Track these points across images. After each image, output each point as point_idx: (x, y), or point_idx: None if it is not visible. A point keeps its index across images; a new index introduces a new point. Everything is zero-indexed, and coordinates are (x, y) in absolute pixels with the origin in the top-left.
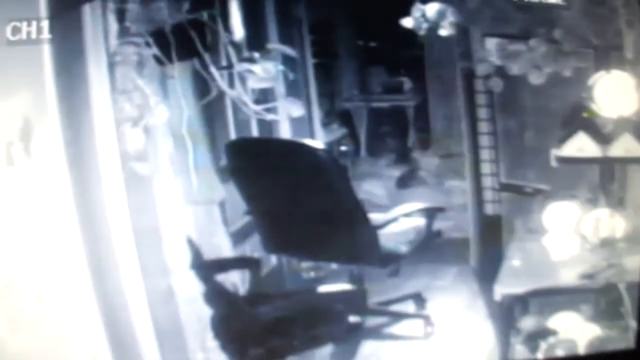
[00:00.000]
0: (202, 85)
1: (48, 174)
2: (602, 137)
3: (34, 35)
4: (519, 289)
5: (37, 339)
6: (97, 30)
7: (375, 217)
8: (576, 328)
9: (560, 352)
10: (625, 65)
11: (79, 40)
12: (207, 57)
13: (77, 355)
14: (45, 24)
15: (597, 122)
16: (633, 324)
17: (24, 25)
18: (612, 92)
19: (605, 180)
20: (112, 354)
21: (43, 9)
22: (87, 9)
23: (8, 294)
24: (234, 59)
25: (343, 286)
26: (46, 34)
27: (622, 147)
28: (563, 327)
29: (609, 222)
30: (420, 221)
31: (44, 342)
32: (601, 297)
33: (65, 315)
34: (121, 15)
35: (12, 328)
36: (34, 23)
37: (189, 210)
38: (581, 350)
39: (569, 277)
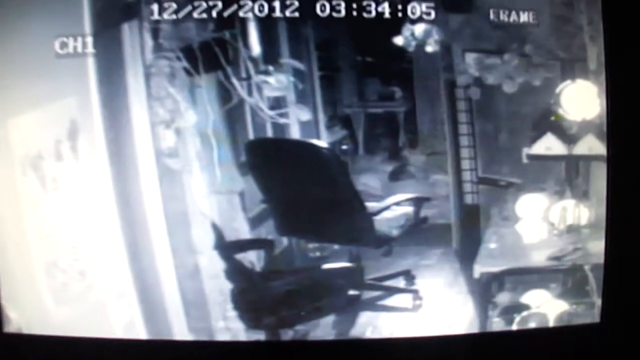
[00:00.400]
0: (225, 94)
1: (92, 168)
2: (568, 137)
3: (79, 50)
4: (495, 268)
5: (79, 310)
6: (135, 46)
7: (371, 205)
8: (546, 304)
9: (532, 325)
10: (588, 75)
11: (119, 54)
12: (229, 69)
13: (114, 323)
14: (89, 39)
15: (563, 124)
16: (597, 300)
17: (70, 41)
18: (577, 99)
19: (570, 174)
20: (145, 322)
21: (87, 26)
22: (126, 27)
23: (54, 271)
24: (252, 71)
25: (343, 264)
26: (90, 49)
27: (586, 146)
28: (535, 302)
29: (574, 211)
30: (409, 209)
31: (85, 313)
32: (568, 276)
33: (105, 289)
34: (155, 34)
35: (57, 301)
36: (80, 39)
37: (213, 199)
38: (551, 323)
39: (539, 258)
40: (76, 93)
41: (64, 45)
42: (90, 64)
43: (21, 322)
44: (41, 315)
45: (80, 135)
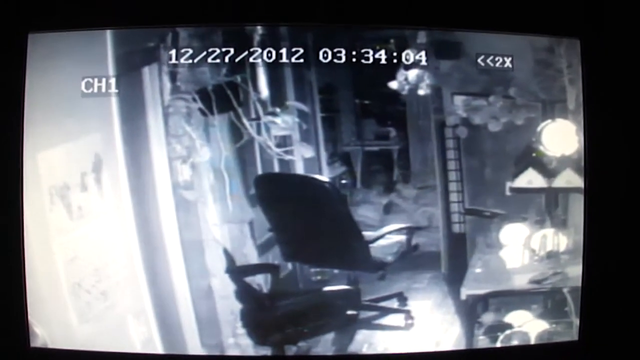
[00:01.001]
0: (236, 132)
1: (114, 198)
2: (548, 171)
3: (103, 90)
4: (480, 291)
5: (101, 327)
6: (155, 87)
7: (367, 234)
8: (528, 323)
9: (515, 342)
10: (567, 115)
11: (140, 94)
12: (240, 110)
13: (133, 339)
14: (112, 80)
15: (544, 160)
16: (575, 320)
17: (95, 81)
18: (557, 136)
19: (550, 205)
20: (161, 338)
21: (111, 69)
22: (146, 70)
23: (79, 291)
24: (260, 112)
25: (342, 287)
26: (114, 89)
27: (564, 179)
28: (517, 322)
29: (553, 239)
30: (402, 237)
31: (107, 329)
32: (548, 298)
33: (125, 308)
34: (173, 77)
35: (81, 319)
36: (104, 80)
37: (225, 228)
38: (532, 341)
39: (521, 282)
40: (100, 129)
41: (89, 85)
42: (114, 103)
43: (47, 337)
44: (66, 331)
45: (104, 168)
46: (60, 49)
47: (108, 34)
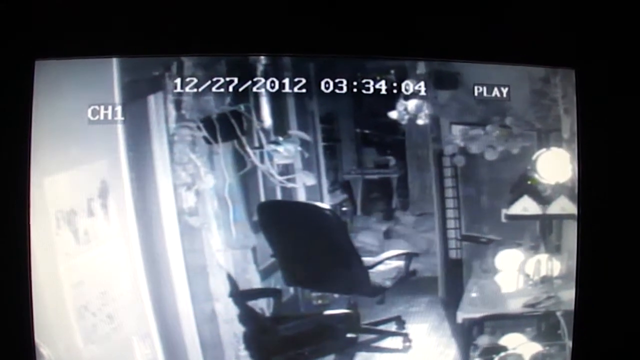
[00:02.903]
0: (239, 160)
1: (120, 224)
2: (543, 199)
3: (109, 117)
4: (476, 314)
5: (107, 349)
6: (160, 116)
7: (367, 259)
8: (522, 345)
9: None
10: (562, 144)
11: (145, 122)
12: (243, 139)
13: None
14: (118, 108)
15: (538, 187)
16: (568, 343)
17: (101, 109)
18: (551, 165)
19: (544, 232)
20: None
21: (117, 97)
22: (152, 98)
23: (85, 314)
24: (263, 141)
25: (342, 310)
26: (120, 116)
27: (559, 206)
28: (512, 344)
29: (547, 264)
30: (400, 263)
31: (112, 351)
32: (542, 321)
33: (131, 331)
34: (178, 105)
35: (86, 341)
36: (110, 107)
37: (229, 253)
38: None
39: (516, 306)
40: (107, 156)
41: (95, 112)
42: (120, 130)
43: (52, 358)
44: (71, 353)
45: (110, 194)
46: (67, 76)
47: (114, 62)
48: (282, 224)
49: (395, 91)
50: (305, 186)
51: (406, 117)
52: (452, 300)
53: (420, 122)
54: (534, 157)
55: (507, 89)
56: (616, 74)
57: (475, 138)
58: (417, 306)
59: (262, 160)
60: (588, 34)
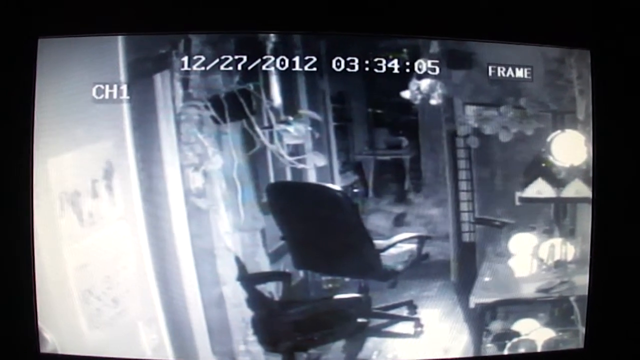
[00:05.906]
0: (248, 140)
1: (125, 206)
2: (557, 182)
3: (115, 96)
4: (489, 299)
5: (112, 333)
6: (167, 95)
7: (378, 242)
8: (535, 331)
9: (522, 350)
10: (577, 125)
11: (152, 101)
12: (252, 118)
13: (143, 346)
14: (124, 87)
15: (553, 170)
16: (581, 328)
17: (106, 88)
18: (566, 147)
19: (558, 215)
20: (173, 345)
21: (122, 75)
22: (158, 77)
23: (89, 298)
24: (273, 121)
25: (353, 295)
26: (125, 96)
27: (573, 189)
28: (525, 330)
29: (561, 248)
30: (412, 246)
31: (117, 336)
32: (555, 307)
33: (136, 315)
34: (185, 84)
35: (91, 325)
36: (115, 86)
37: (237, 236)
38: (539, 348)
39: (529, 291)
40: (112, 136)
41: (100, 91)
42: (125, 109)
43: (56, 343)
44: (76, 337)
45: (115, 175)
46: (71, 55)
47: (120, 40)
48: (291, 205)
49: (408, 70)
50: (316, 167)
51: (419, 96)
52: (465, 285)
53: (433, 102)
54: (548, 139)
55: (521, 69)
56: (632, 55)
57: (489, 119)
58: (430, 290)
59: (271, 141)
60: (604, 15)
